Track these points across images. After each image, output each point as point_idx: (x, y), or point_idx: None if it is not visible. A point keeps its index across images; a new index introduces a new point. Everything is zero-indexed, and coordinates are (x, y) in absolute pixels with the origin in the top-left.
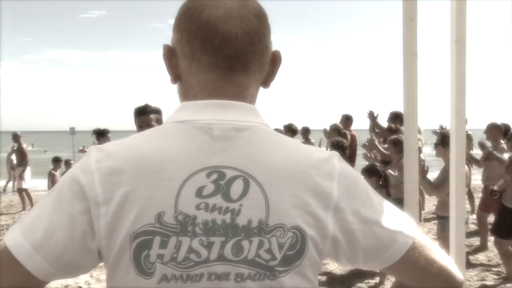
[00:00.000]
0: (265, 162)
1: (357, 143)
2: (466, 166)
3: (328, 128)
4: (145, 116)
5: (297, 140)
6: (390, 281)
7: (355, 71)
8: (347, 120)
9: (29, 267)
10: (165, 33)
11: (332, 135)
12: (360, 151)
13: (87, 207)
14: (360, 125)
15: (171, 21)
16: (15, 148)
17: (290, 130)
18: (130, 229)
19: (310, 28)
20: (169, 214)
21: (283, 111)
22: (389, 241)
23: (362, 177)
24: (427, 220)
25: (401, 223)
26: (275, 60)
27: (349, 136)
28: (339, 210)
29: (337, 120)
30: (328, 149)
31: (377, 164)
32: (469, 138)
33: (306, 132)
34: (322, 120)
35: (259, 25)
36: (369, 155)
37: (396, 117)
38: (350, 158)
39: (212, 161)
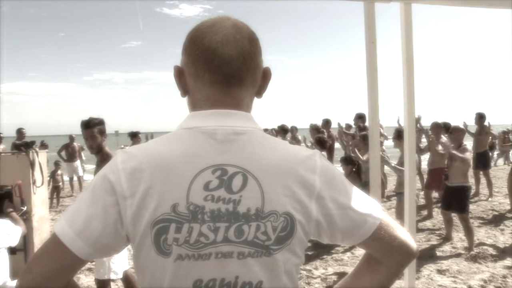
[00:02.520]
0: (260, 160)
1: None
2: (416, 155)
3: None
4: (88, 130)
5: (286, 141)
6: None
7: (332, 82)
8: (326, 123)
9: (74, 249)
10: None
11: (313, 133)
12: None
13: (116, 200)
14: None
15: None
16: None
17: (283, 129)
18: (150, 217)
19: (296, 51)
20: (182, 205)
21: (276, 114)
22: (361, 222)
23: (339, 170)
24: (389, 197)
25: (370, 208)
26: (266, 75)
27: (326, 134)
28: (321, 198)
29: (318, 122)
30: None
31: (352, 155)
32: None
33: (294, 130)
34: (307, 120)
35: (251, 47)
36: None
37: (360, 117)
38: (329, 152)
39: (216, 160)
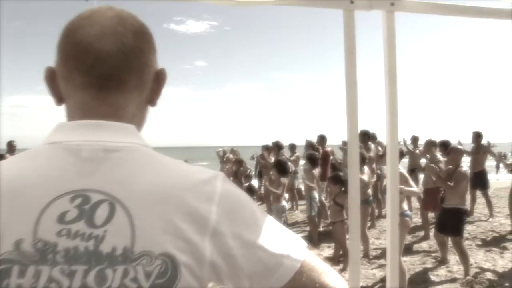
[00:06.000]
0: (135, 185)
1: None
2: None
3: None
4: None
5: (180, 161)
6: None
7: (321, 98)
8: (322, 139)
9: None
10: None
11: (308, 150)
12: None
13: None
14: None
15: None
16: None
17: (277, 146)
18: None
19: (300, 69)
20: (28, 242)
21: (280, 129)
22: (275, 265)
23: (248, 198)
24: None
25: (289, 247)
26: (159, 77)
27: (321, 151)
28: (218, 234)
29: (313, 138)
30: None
31: (341, 174)
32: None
33: (293, 147)
34: (305, 136)
35: (137, 42)
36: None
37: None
38: (323, 168)
39: (77, 184)
